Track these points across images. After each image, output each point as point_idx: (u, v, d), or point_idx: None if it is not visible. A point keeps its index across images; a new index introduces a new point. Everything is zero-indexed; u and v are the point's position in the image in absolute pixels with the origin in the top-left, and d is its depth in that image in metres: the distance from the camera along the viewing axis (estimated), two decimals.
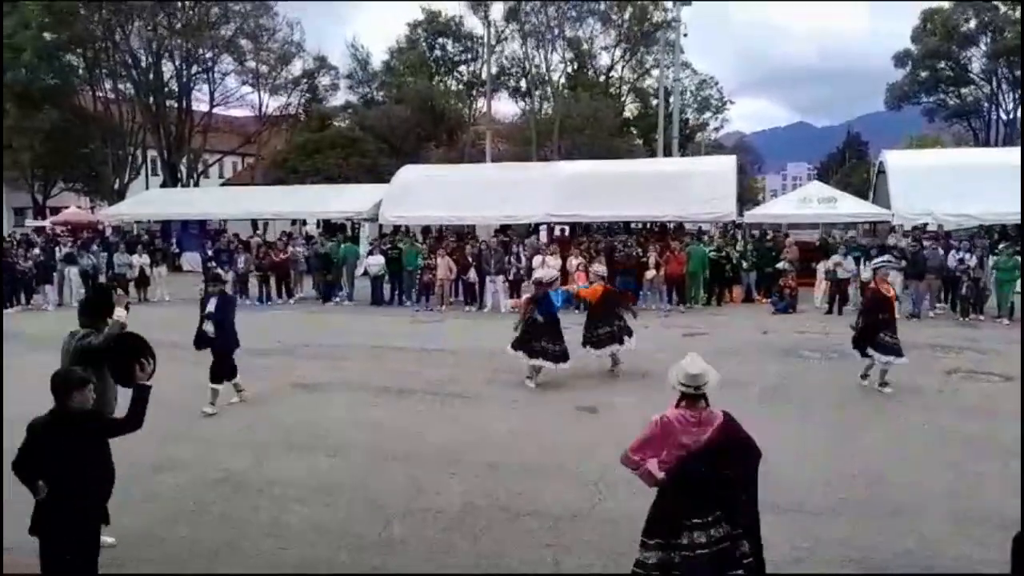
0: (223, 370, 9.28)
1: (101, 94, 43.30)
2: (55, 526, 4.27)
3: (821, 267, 18.22)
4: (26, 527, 5.18)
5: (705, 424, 4.21)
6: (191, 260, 27.62)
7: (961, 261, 16.33)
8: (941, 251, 17.03)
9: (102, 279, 21.63)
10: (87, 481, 4.34)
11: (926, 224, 20.24)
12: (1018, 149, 21.66)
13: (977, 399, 9.78)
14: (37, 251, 20.89)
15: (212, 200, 32.44)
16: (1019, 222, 18.24)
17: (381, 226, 25.49)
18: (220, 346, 9.27)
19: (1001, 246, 16.95)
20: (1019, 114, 44.86)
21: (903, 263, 16.50)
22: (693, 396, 4.27)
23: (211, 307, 9.30)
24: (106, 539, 5.44)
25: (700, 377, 4.27)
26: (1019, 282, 16.04)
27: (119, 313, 5.71)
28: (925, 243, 17.74)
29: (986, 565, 4.96)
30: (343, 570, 5.23)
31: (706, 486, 4.11)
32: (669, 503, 4.20)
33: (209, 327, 9.24)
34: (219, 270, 9.75)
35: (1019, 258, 15.97)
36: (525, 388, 10.15)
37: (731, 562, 4.04)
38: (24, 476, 4.31)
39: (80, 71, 42.56)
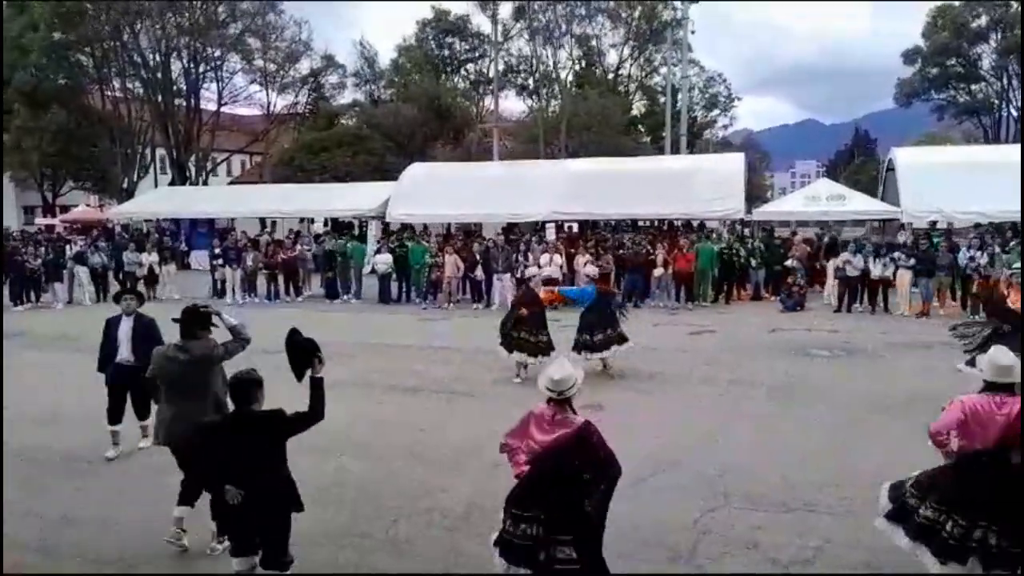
0: (148, 402, 7.31)
1: (110, 93, 43.46)
2: (250, 524, 4.42)
3: (831, 265, 18.13)
4: (27, 527, 5.24)
5: (557, 427, 4.35)
6: (200, 258, 27.69)
7: (972, 259, 16.22)
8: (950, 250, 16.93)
9: (111, 277, 21.77)
10: (269, 477, 4.43)
11: (935, 222, 20.12)
12: None
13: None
14: (43, 249, 20.95)
15: (221, 198, 32.56)
16: (1022, 220, 18.11)
17: (388, 224, 25.51)
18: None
19: (1012, 244, 16.81)
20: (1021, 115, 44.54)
21: (912, 260, 16.42)
22: (557, 400, 4.41)
23: (124, 328, 7.55)
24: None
25: (563, 383, 4.39)
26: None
27: (228, 319, 5.82)
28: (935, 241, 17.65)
29: None
30: (350, 570, 5.23)
31: (538, 484, 4.31)
32: (513, 489, 4.48)
33: (125, 352, 7.49)
34: (138, 289, 8.72)
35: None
36: (532, 387, 10.12)
37: (532, 561, 4.22)
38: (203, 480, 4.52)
39: (89, 70, 42.74)
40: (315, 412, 4.51)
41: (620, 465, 4.46)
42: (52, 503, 6.37)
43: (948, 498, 4.39)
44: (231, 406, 5.35)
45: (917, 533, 4.47)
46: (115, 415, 7.63)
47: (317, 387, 4.55)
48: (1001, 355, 4.47)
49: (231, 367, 5.18)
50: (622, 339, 10.95)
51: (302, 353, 4.61)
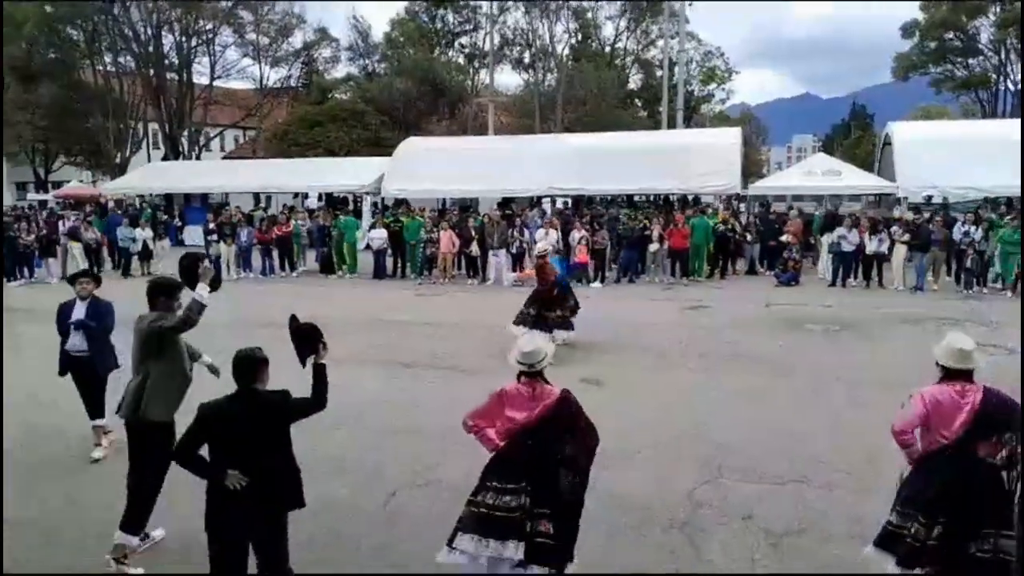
0: (101, 398, 6.75)
1: (101, 68, 43.05)
2: (243, 515, 4.01)
3: (825, 239, 18.16)
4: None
5: (538, 400, 4.32)
6: (194, 234, 27.57)
7: (966, 234, 16.24)
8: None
9: (104, 253, 21.71)
10: (275, 464, 4.09)
11: (931, 197, 20.13)
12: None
13: (980, 372, 9.75)
14: (34, 225, 20.84)
15: (214, 173, 32.32)
16: (1022, 195, 18.12)
17: (383, 199, 25.42)
18: (96, 368, 6.73)
19: (1006, 219, 16.84)
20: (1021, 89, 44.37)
21: (907, 236, 16.45)
22: (529, 373, 4.39)
23: (78, 314, 6.78)
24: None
25: (534, 355, 4.37)
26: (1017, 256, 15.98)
27: (202, 290, 4.98)
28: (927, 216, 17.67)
29: None
30: (347, 542, 5.28)
31: (520, 456, 4.26)
32: (487, 465, 4.41)
33: (78, 339, 6.71)
34: (94, 271, 7.19)
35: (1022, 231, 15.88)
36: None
37: (518, 532, 4.12)
38: (194, 466, 4.10)
39: (80, 45, 42.26)
40: (319, 399, 4.30)
41: (599, 436, 4.47)
42: (56, 485, 6.40)
43: (912, 498, 4.20)
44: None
45: (883, 541, 4.26)
46: (91, 408, 6.78)
47: (320, 374, 4.37)
48: (959, 339, 4.27)
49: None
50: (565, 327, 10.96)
51: (305, 339, 4.45)
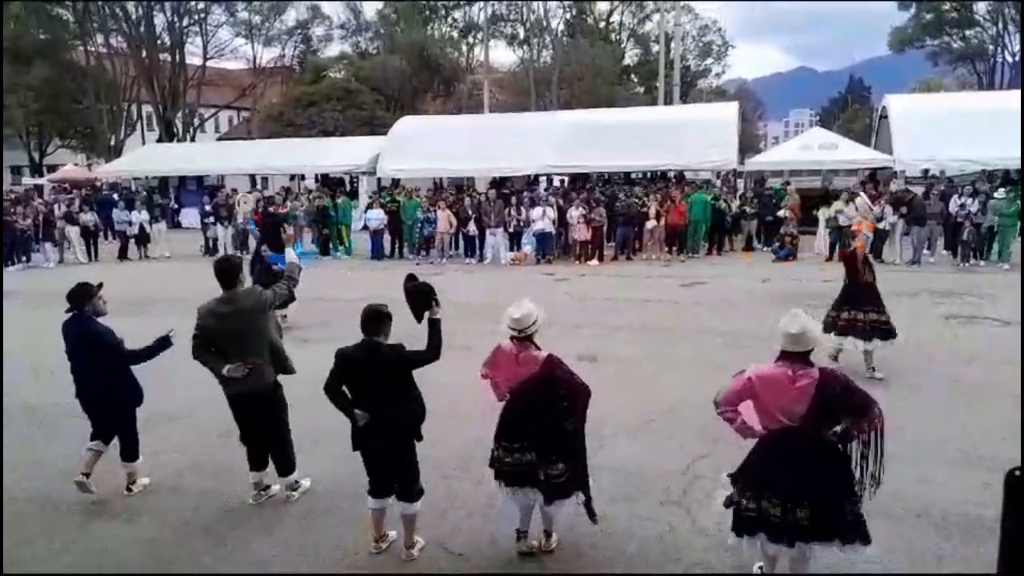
0: (130, 435, 5.81)
1: (93, 48, 42.66)
2: (376, 444, 4.75)
3: (822, 214, 18.17)
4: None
5: (523, 366, 4.59)
6: (190, 216, 27.54)
7: (963, 206, 16.26)
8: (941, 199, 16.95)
9: (101, 236, 21.70)
10: (397, 406, 4.71)
11: (927, 171, 20.11)
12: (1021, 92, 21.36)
13: (976, 344, 9.85)
14: (38, 203, 20.78)
15: (209, 155, 32.22)
16: (1021, 167, 18.10)
17: (379, 179, 25.36)
18: (110, 400, 5.72)
19: (1001, 191, 16.84)
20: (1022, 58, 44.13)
21: (903, 209, 16.46)
22: (519, 339, 4.63)
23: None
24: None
25: (523, 320, 4.58)
26: (1018, 227, 16.01)
27: (292, 255, 5.71)
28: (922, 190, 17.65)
29: (984, 507, 5.07)
30: (345, 517, 5.38)
31: (521, 417, 4.62)
32: (498, 423, 4.78)
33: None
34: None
35: (1020, 203, 15.90)
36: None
37: (533, 481, 4.59)
38: (338, 401, 4.74)
39: (70, 25, 41.85)
40: (434, 350, 4.77)
41: (588, 388, 4.66)
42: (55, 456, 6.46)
43: (763, 484, 4.08)
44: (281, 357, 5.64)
45: (740, 527, 4.15)
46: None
47: (435, 327, 4.79)
48: (789, 322, 4.09)
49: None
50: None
51: (421, 296, 4.83)
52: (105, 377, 5.61)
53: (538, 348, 4.66)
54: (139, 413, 5.93)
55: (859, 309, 8.39)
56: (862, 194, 10.22)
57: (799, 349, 4.05)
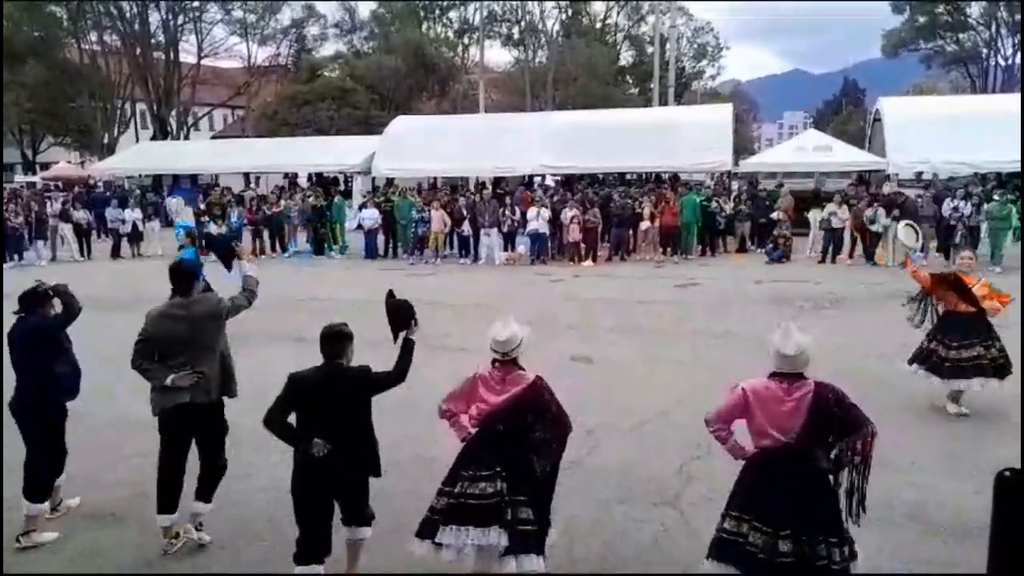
0: (41, 471, 5.24)
1: (87, 46, 42.50)
2: (329, 479, 4.24)
3: (813, 216, 18.24)
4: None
5: (509, 385, 4.23)
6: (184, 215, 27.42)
7: (956, 209, 16.31)
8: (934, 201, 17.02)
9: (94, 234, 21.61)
10: (359, 433, 4.35)
11: (921, 173, 20.21)
12: (1014, 96, 21.49)
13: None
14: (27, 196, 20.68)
15: (203, 153, 32.12)
16: (1014, 170, 18.19)
17: (374, 179, 25.33)
18: (39, 413, 5.26)
19: (996, 195, 16.90)
20: (1018, 59, 44.37)
21: (896, 212, 16.51)
22: (502, 361, 4.30)
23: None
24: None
25: (508, 343, 4.26)
26: (1011, 231, 16.08)
27: (248, 268, 5.31)
28: (918, 192, 17.73)
29: (974, 511, 5.07)
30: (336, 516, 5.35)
31: (492, 442, 4.18)
32: (459, 455, 4.30)
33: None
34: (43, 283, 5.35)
35: (1012, 206, 15.98)
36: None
37: (498, 519, 3.99)
38: (283, 432, 4.27)
39: (64, 23, 41.69)
40: (400, 373, 4.44)
41: (571, 423, 4.37)
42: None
43: (748, 504, 3.89)
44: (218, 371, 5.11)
45: (718, 552, 3.90)
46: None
47: (408, 349, 4.52)
48: (783, 342, 3.89)
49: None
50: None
51: (400, 314, 4.62)
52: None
53: (522, 369, 4.33)
54: (121, 419, 5.79)
55: (961, 344, 7.14)
56: (907, 225, 9.09)
57: (794, 370, 3.88)
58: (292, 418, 4.34)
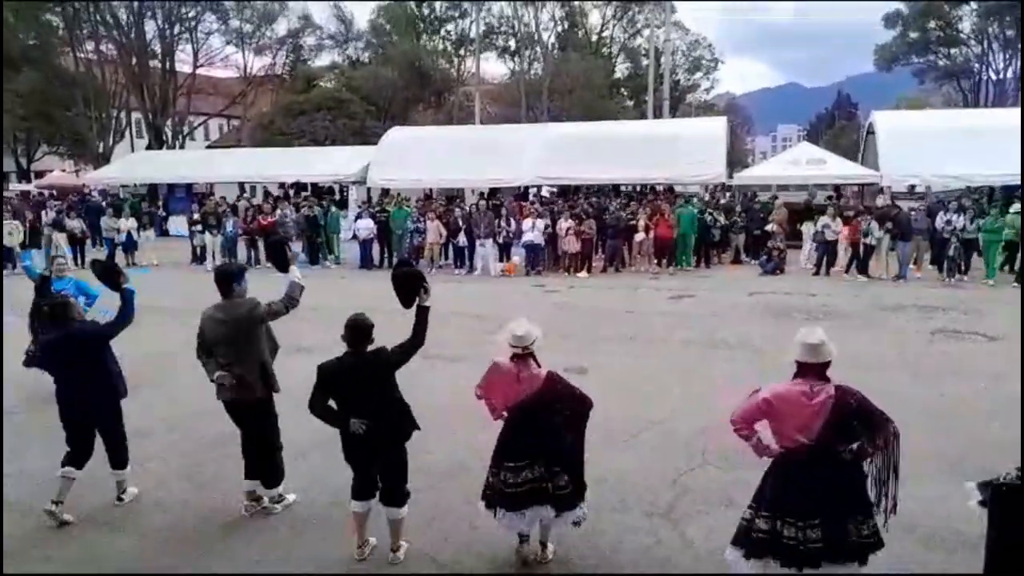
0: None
1: (82, 55, 42.48)
2: (369, 450, 4.78)
3: (806, 229, 18.32)
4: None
5: (524, 383, 4.62)
6: (178, 224, 27.40)
7: (949, 222, 16.39)
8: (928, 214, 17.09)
9: (89, 243, 21.56)
10: (389, 408, 4.79)
11: (914, 186, 20.32)
12: (1006, 110, 21.66)
13: (962, 359, 9.92)
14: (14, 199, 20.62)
15: (198, 163, 32.11)
16: (1006, 183, 18.31)
17: (369, 189, 25.36)
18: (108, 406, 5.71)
19: (994, 211, 16.96)
20: (1009, 74, 44.74)
21: (889, 224, 16.58)
22: (521, 356, 4.66)
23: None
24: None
25: (525, 338, 4.64)
26: (998, 245, 16.15)
27: (296, 274, 5.64)
28: (912, 205, 17.81)
29: (970, 522, 5.06)
30: (329, 526, 5.39)
31: (523, 435, 4.63)
32: (497, 444, 4.76)
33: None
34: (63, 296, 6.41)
35: (1005, 219, 16.07)
36: None
37: (543, 498, 4.59)
38: (325, 416, 4.78)
39: (60, 31, 41.69)
40: (418, 338, 4.80)
41: (590, 399, 4.75)
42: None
43: (777, 502, 4.09)
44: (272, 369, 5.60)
45: (757, 550, 4.12)
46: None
47: (422, 315, 4.83)
48: (809, 333, 4.12)
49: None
50: None
51: (410, 282, 4.83)
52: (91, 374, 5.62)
53: (538, 365, 4.70)
54: (127, 424, 5.88)
55: None
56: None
57: (818, 360, 4.06)
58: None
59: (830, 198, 21.42)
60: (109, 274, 5.72)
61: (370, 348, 4.78)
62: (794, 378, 4.12)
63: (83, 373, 5.52)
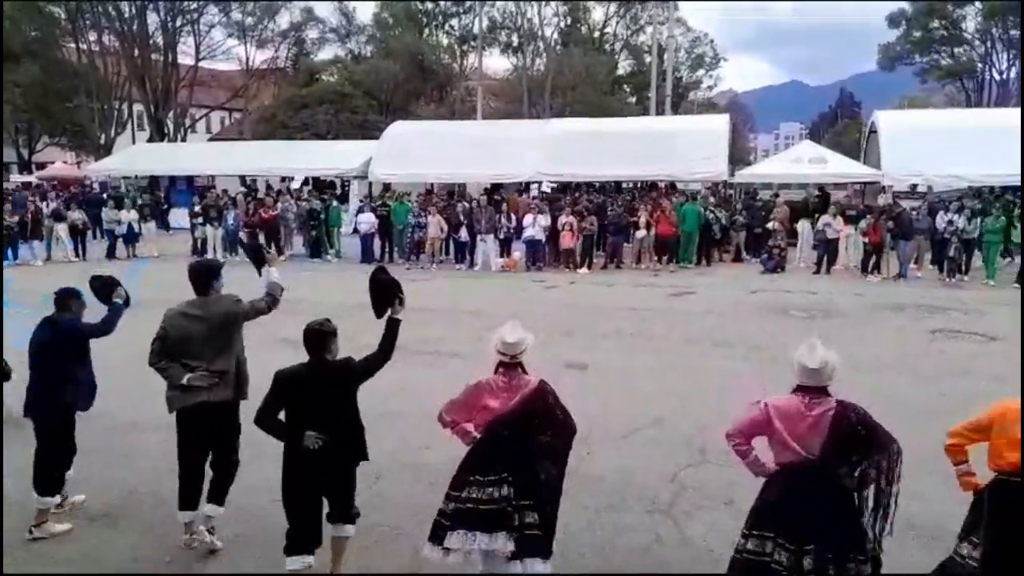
0: (51, 465, 5.35)
1: (85, 47, 42.43)
2: (319, 470, 4.34)
3: (801, 226, 18.34)
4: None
5: (515, 391, 4.24)
6: (179, 216, 27.38)
7: (950, 223, 16.38)
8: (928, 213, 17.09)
9: (90, 234, 21.56)
10: (348, 423, 4.45)
11: (916, 186, 20.30)
12: (1008, 110, 21.63)
13: (962, 358, 9.93)
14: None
15: (200, 155, 32.06)
16: (1007, 183, 18.29)
17: (371, 184, 25.34)
18: (55, 416, 5.38)
19: (994, 211, 16.95)
20: (1012, 75, 44.65)
21: (890, 223, 16.58)
22: (509, 364, 4.29)
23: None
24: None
25: (516, 345, 4.26)
26: (999, 245, 16.16)
27: (273, 272, 5.28)
28: (914, 205, 17.80)
29: None
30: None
31: (498, 447, 4.19)
32: (464, 460, 4.32)
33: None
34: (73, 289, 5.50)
35: (1005, 219, 16.08)
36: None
37: (505, 525, 4.04)
38: (272, 427, 4.39)
39: (62, 23, 41.64)
40: (384, 353, 4.53)
41: (575, 424, 4.41)
42: None
43: (769, 521, 3.85)
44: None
45: (744, 573, 3.84)
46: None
47: (392, 328, 4.57)
48: (808, 355, 3.89)
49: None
50: None
51: (384, 291, 4.62)
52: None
53: (526, 373, 4.34)
54: (115, 422, 5.80)
55: None
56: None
57: (818, 385, 3.86)
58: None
59: (818, 198, 21.43)
60: (105, 290, 5.50)
61: (339, 357, 4.49)
62: (792, 392, 3.96)
63: (50, 372, 5.27)
